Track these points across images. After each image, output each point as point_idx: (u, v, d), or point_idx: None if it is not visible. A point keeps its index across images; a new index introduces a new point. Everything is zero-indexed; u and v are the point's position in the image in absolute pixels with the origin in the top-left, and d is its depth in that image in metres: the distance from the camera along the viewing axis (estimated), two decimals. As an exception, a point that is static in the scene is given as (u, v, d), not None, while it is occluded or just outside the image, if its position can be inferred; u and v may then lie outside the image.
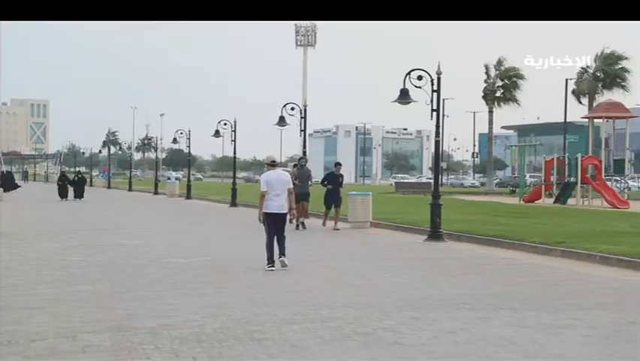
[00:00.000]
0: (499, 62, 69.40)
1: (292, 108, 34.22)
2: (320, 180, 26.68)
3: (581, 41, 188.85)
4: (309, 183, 25.72)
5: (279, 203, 14.26)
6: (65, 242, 19.39)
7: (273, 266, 14.06)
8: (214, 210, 37.60)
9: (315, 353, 7.77)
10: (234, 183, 43.69)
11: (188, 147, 60.22)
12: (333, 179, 25.32)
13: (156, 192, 62.19)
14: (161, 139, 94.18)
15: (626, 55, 62.45)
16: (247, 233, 23.83)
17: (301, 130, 34.21)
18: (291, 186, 14.60)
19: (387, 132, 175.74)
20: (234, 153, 47.14)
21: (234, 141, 45.45)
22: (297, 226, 24.18)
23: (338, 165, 26.06)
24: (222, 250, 17.81)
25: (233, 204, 41.61)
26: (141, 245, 18.74)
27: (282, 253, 14.32)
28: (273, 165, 14.67)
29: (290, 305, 10.31)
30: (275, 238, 14.33)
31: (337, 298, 10.90)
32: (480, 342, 8.22)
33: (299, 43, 33.93)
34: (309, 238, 22.08)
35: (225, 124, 46.34)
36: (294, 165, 24.35)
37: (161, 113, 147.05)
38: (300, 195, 22.14)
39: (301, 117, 33.88)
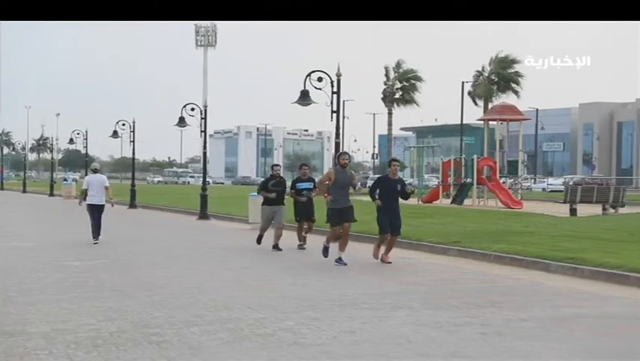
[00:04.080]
0: (398, 65, 70.41)
1: (192, 109, 33.99)
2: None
3: (478, 44, 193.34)
4: (351, 190, 16.12)
5: (97, 198, 19.70)
6: (-45, 245, 18.74)
7: (97, 241, 19.39)
8: (112, 212, 36.91)
9: (215, 354, 7.73)
10: (133, 185, 43.07)
11: (85, 147, 59.06)
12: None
13: (52, 194, 60.69)
14: (56, 139, 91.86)
15: (519, 59, 64.31)
16: (148, 235, 23.53)
17: (201, 131, 34.00)
18: (107, 184, 19.90)
19: (288, 133, 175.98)
20: (133, 154, 46.45)
21: (133, 142, 44.82)
22: (300, 245, 18.84)
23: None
24: (121, 252, 17.51)
25: (133, 205, 41.10)
26: (35, 248, 18.28)
27: (98, 234, 19.55)
28: (95, 171, 20.40)
29: (189, 307, 10.22)
30: (95, 221, 19.56)
31: (237, 300, 10.87)
32: (378, 341, 8.32)
33: (199, 43, 33.43)
34: (210, 237, 21.94)
35: (124, 124, 45.68)
36: (336, 163, 15.85)
37: (57, 113, 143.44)
38: (339, 212, 15.46)
39: (201, 118, 33.65)
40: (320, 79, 21.31)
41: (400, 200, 15.89)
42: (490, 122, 45.64)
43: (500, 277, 13.76)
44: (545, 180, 77.68)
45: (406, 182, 16.78)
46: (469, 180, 40.35)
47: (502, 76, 63.57)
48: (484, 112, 55.52)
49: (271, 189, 18.83)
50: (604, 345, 8.28)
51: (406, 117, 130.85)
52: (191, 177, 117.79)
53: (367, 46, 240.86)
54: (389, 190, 15.48)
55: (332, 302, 10.72)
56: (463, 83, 65.32)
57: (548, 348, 8.03)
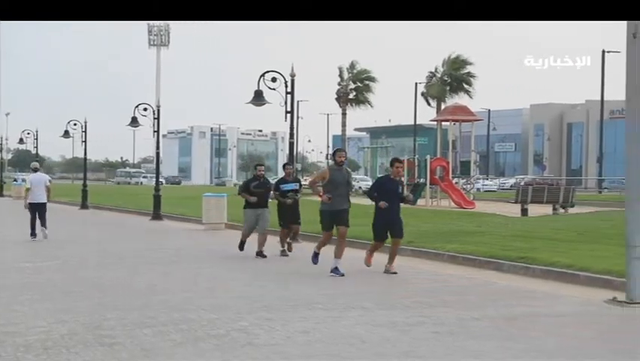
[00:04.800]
0: (352, 65, 70.55)
1: (145, 109, 33.76)
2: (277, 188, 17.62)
3: (432, 44, 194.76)
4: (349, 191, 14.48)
5: (39, 196, 20.51)
6: None
7: (35, 237, 20.26)
8: (64, 213, 36.48)
9: (168, 355, 7.67)
10: (85, 185, 42.63)
11: (36, 147, 58.27)
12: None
13: (1, 195, 59.79)
14: (6, 139, 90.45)
15: (471, 60, 64.89)
16: (100, 235, 23.29)
17: (154, 131, 33.79)
18: (48, 183, 20.85)
19: (242, 134, 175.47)
20: (85, 154, 45.99)
21: (85, 142, 44.38)
22: (283, 251, 17.33)
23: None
24: (72, 253, 17.31)
25: (84, 205, 40.75)
26: (-15, 249, 17.98)
27: (43, 225, 20.40)
28: (35, 170, 22.02)
29: (142, 308, 10.14)
30: (37, 218, 20.42)
31: (191, 301, 10.80)
32: (332, 341, 8.32)
33: (152, 43, 33.18)
34: (163, 238, 21.79)
35: (75, 124, 45.17)
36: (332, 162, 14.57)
37: (7, 112, 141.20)
38: (330, 215, 14.00)
39: (154, 118, 33.43)
40: (274, 79, 21.31)
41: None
42: (443, 123, 46.03)
43: (453, 276, 13.87)
44: (481, 180, 77.83)
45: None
46: (422, 180, 40.62)
47: (454, 77, 64.07)
48: (437, 113, 55.93)
49: (253, 190, 17.07)
50: (555, 344, 8.38)
51: (359, 118, 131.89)
52: (144, 177, 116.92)
53: (322, 46, 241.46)
54: (390, 192, 14.03)
55: (286, 303, 10.71)
56: (416, 83, 65.91)
57: (501, 347, 8.11)
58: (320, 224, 14.22)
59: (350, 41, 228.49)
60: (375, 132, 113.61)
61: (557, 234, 19.58)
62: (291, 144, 23.29)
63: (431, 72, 65.93)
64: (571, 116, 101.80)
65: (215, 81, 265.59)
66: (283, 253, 17.27)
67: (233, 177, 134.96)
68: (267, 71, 21.57)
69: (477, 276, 13.93)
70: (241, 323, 9.19)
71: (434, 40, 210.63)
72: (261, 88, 21.72)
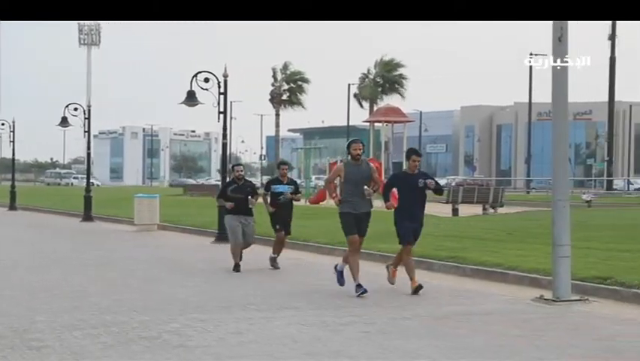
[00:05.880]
0: (286, 66, 70.70)
1: (75, 109, 33.25)
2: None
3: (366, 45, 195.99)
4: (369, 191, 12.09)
5: None
6: None
7: None
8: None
9: (98, 358, 7.60)
10: (13, 186, 41.85)
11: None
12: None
13: None
14: None
15: (403, 62, 65.63)
16: (29, 237, 22.89)
17: (85, 131, 33.35)
18: None
19: (175, 134, 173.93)
20: (13, 154, 45.12)
21: (13, 142, 43.53)
22: (274, 258, 15.13)
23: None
24: (1, 256, 16.98)
25: (13, 207, 40.07)
26: None
27: None
28: None
29: (72, 311, 10.02)
30: None
31: (122, 303, 10.71)
32: (265, 342, 8.35)
33: (82, 42, 32.67)
34: (94, 240, 21.52)
35: (3, 124, 44.24)
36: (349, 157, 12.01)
37: None
38: (355, 218, 11.93)
39: (85, 118, 32.98)
40: (207, 80, 21.21)
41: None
42: (376, 124, 46.38)
43: (384, 276, 13.97)
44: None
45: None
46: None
47: (387, 78, 64.69)
48: (370, 114, 56.33)
49: (231, 196, 14.68)
50: (483, 342, 8.53)
51: (293, 119, 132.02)
52: (74, 178, 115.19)
53: (255, 47, 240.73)
54: (409, 189, 12.20)
55: (219, 304, 10.70)
56: (349, 85, 66.22)
57: (431, 346, 8.23)
58: (342, 230, 12.06)
59: (284, 42, 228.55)
60: (309, 133, 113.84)
61: (487, 234, 19.90)
62: (224, 145, 23.23)
63: (364, 74, 66.46)
64: (500, 117, 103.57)
65: (148, 82, 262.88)
66: (273, 263, 14.96)
67: (166, 178, 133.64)
68: (200, 72, 21.45)
69: (407, 275, 14.05)
70: (173, 325, 9.15)
71: (367, 42, 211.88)
72: (193, 88, 21.60)
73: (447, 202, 34.89)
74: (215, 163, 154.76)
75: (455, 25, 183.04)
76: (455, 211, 32.10)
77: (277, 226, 15.02)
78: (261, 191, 15.36)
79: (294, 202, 15.32)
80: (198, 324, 9.21)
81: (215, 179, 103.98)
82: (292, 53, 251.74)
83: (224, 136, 22.58)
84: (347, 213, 11.79)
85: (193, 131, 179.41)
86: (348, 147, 12.03)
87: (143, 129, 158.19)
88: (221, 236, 20.72)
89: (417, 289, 11.72)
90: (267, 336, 8.62)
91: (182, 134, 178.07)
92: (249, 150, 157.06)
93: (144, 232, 24.57)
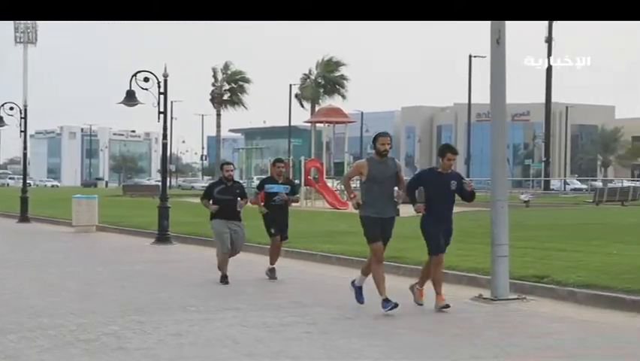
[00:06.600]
0: (226, 66, 70.40)
1: (11, 108, 32.66)
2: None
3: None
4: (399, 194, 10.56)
5: None
6: None
7: None
8: None
9: (34, 363, 7.47)
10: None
11: None
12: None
13: None
14: None
15: (344, 62, 65.83)
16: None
17: (21, 131, 32.80)
18: None
19: (114, 134, 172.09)
20: (-53, 154, 44.16)
21: (-53, 141, 42.61)
22: (272, 270, 13.51)
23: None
24: None
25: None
26: None
27: None
28: None
29: (7, 314, 9.83)
30: None
31: (59, 305, 10.54)
32: (205, 343, 8.30)
33: (18, 40, 32.06)
34: (31, 241, 21.15)
35: (-64, 124, 43.22)
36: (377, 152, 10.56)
37: None
38: (381, 223, 10.60)
39: (21, 117, 32.43)
40: (146, 79, 21.00)
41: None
42: (317, 125, 46.47)
43: (326, 276, 14.03)
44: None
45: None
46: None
47: (328, 79, 64.86)
48: (312, 114, 56.42)
49: (217, 197, 13.17)
50: (423, 341, 8.61)
51: (234, 119, 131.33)
52: (10, 178, 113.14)
53: (196, 47, 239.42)
54: (440, 190, 10.44)
55: (159, 306, 10.60)
56: (290, 85, 66.24)
57: (371, 345, 8.27)
58: (365, 236, 10.60)
59: (225, 42, 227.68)
60: (250, 133, 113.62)
61: (427, 233, 20.05)
62: (164, 145, 23.07)
63: (305, 74, 66.55)
64: (440, 118, 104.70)
65: (86, 81, 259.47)
66: (271, 273, 13.43)
67: (105, 178, 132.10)
68: (140, 71, 21.23)
69: (349, 276, 14.08)
70: (112, 327, 9.04)
71: (309, 41, 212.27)
72: (133, 88, 21.38)
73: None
74: (156, 163, 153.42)
75: (396, 25, 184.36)
76: (397, 211, 32.21)
77: (272, 230, 13.58)
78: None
79: (294, 203, 13.96)
80: (137, 326, 9.11)
81: (155, 180, 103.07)
82: (233, 53, 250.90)
83: (165, 136, 22.42)
84: (372, 218, 10.32)
85: (133, 132, 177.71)
86: (375, 140, 10.46)
87: (82, 129, 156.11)
88: (161, 237, 20.57)
89: (444, 308, 10.23)
90: (207, 338, 8.57)
91: (122, 135, 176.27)
92: (189, 150, 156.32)
93: (82, 233, 24.23)
